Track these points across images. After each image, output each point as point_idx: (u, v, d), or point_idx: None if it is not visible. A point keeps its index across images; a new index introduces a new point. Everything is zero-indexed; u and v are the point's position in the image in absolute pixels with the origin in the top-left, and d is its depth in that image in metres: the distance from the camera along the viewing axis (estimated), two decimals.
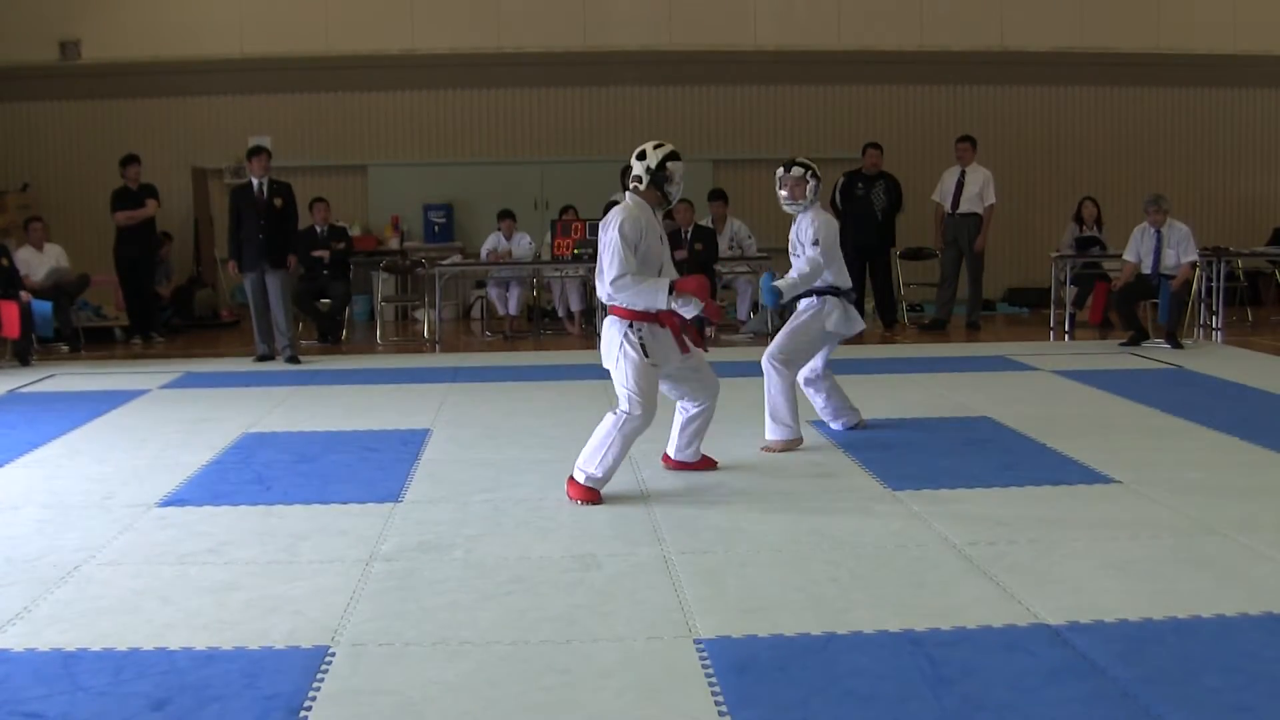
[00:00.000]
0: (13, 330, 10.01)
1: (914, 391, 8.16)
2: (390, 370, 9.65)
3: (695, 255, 11.02)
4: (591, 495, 5.25)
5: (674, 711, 3.15)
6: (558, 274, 12.10)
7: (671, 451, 5.85)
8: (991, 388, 8.33)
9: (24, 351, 10.13)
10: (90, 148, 13.39)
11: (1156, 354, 9.81)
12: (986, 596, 3.98)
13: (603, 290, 5.25)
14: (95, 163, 13.01)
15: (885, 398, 7.89)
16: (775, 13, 13.47)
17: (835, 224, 6.42)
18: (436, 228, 13.70)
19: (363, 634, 3.71)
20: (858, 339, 8.86)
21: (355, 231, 13.02)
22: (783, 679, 3.32)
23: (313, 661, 3.47)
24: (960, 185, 11.77)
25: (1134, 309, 10.55)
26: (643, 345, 5.23)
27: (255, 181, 10.16)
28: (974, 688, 3.23)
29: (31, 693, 3.26)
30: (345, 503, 5.34)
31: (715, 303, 5.47)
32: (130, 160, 11.53)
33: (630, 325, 5.25)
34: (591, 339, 11.53)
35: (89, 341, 11.40)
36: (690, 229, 11.13)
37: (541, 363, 9.98)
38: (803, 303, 6.40)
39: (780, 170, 6.35)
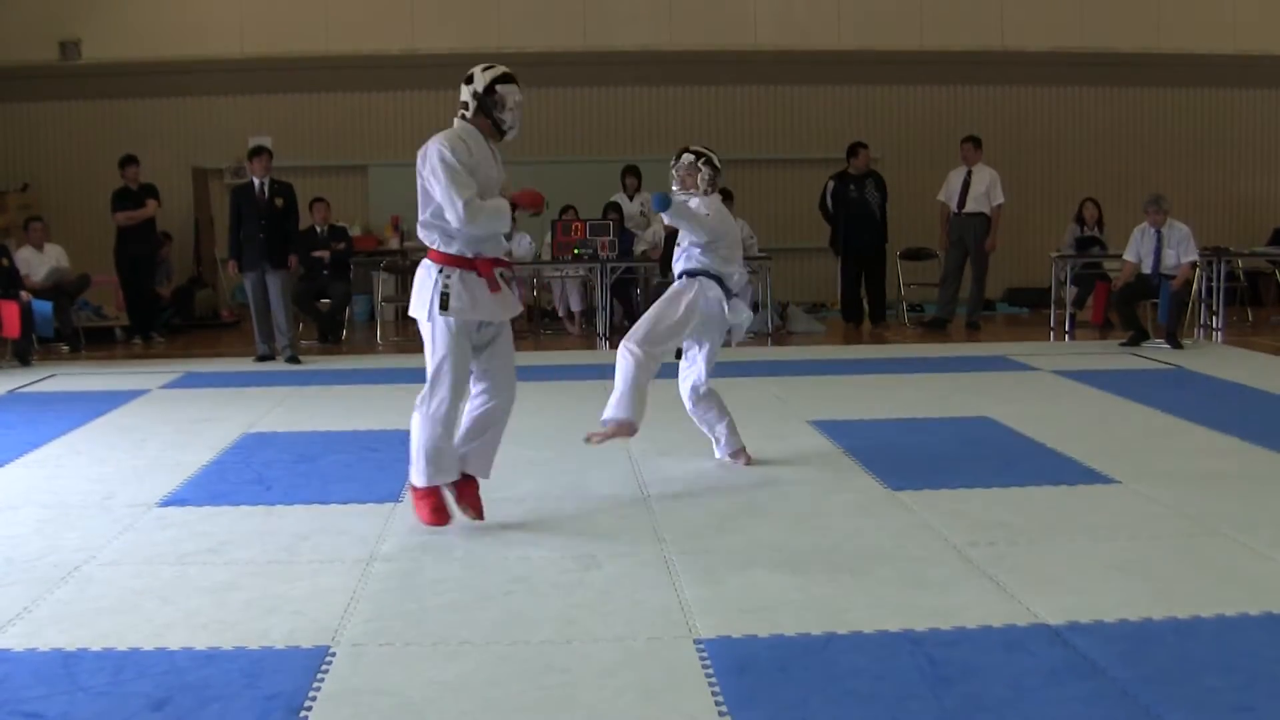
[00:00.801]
0: (13, 330, 10.01)
1: (914, 391, 8.16)
2: (390, 370, 9.64)
3: None
4: (430, 497, 4.71)
5: (674, 711, 3.15)
6: (558, 274, 12.10)
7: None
8: (991, 388, 8.32)
9: (24, 351, 10.13)
10: (90, 148, 13.40)
11: (1156, 354, 9.81)
12: (986, 596, 3.98)
13: (456, 220, 4.59)
14: (95, 163, 13.01)
15: (885, 398, 7.90)
16: (775, 13, 13.47)
17: (730, 218, 6.07)
18: None
19: (363, 634, 3.71)
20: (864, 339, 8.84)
21: (355, 231, 13.02)
22: (783, 679, 3.32)
23: (313, 661, 3.47)
24: (966, 185, 11.78)
25: (1134, 309, 10.55)
26: (444, 295, 4.60)
27: (256, 181, 10.17)
28: (974, 688, 3.23)
29: (31, 692, 3.26)
30: (345, 503, 5.34)
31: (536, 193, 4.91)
32: (129, 161, 11.53)
33: (440, 270, 4.63)
34: (592, 339, 11.55)
35: (89, 341, 11.40)
36: None
37: (541, 363, 9.97)
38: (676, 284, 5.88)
39: (671, 159, 5.98)
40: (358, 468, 6.06)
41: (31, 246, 11.31)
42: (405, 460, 6.10)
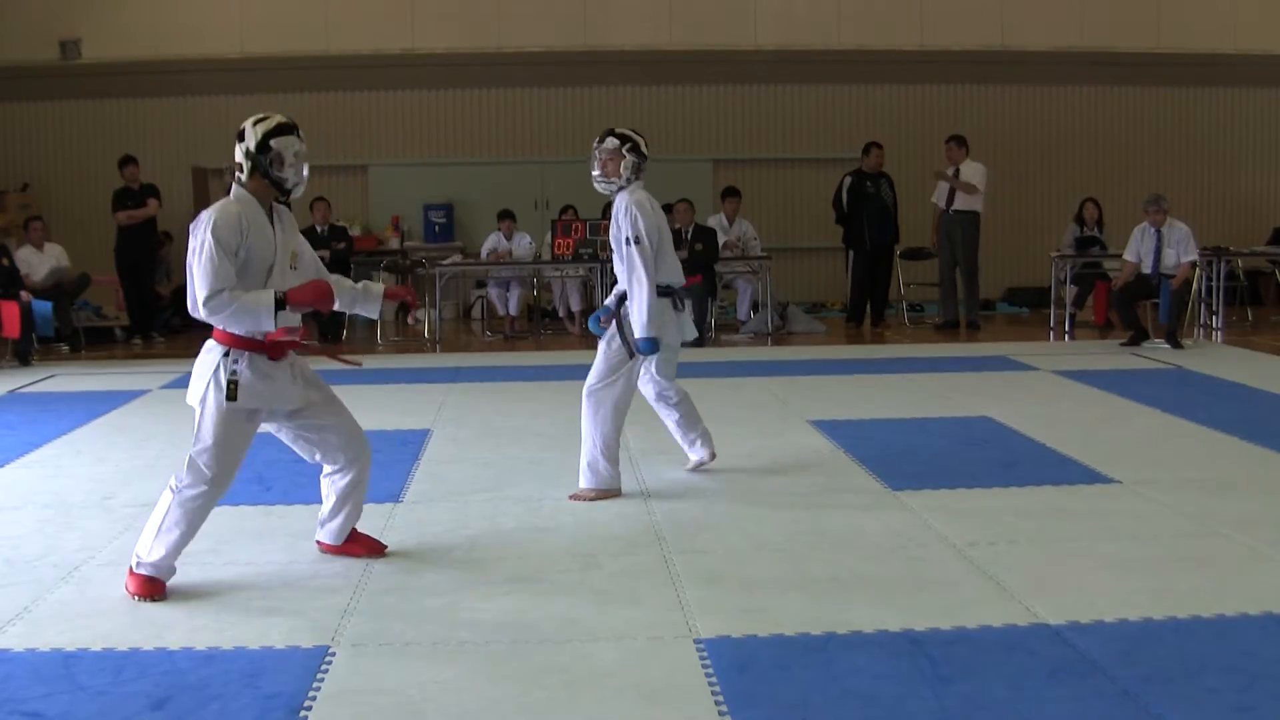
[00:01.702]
0: (13, 330, 10.01)
1: (914, 391, 8.16)
2: (390, 370, 9.64)
3: (695, 255, 11.01)
4: (154, 588, 4.03)
5: (674, 711, 3.15)
6: (558, 274, 12.10)
7: (324, 536, 4.51)
8: (991, 388, 8.32)
9: (24, 351, 10.13)
10: (90, 147, 13.40)
11: (1157, 354, 9.81)
12: (986, 596, 3.98)
13: (195, 311, 3.93)
14: (95, 162, 13.02)
15: (885, 398, 7.90)
16: (775, 13, 13.47)
17: (657, 211, 5.35)
18: (437, 228, 13.71)
19: (363, 634, 3.71)
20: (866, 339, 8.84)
21: (355, 231, 13.03)
22: (783, 679, 3.32)
23: (313, 661, 3.47)
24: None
25: (1134, 309, 10.55)
26: (231, 384, 3.96)
27: None
28: (974, 687, 3.23)
29: (32, 692, 3.26)
30: None
31: (403, 287, 4.50)
32: (127, 161, 11.53)
33: (226, 354, 3.99)
34: (592, 339, 11.54)
35: (89, 341, 11.40)
36: (690, 229, 11.13)
37: (542, 363, 9.98)
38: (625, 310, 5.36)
39: (595, 141, 5.35)
40: None
41: (32, 246, 11.31)
42: (404, 460, 6.14)
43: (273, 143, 4.05)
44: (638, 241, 5.18)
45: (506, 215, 12.19)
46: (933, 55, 13.61)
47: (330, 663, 3.47)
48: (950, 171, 11.82)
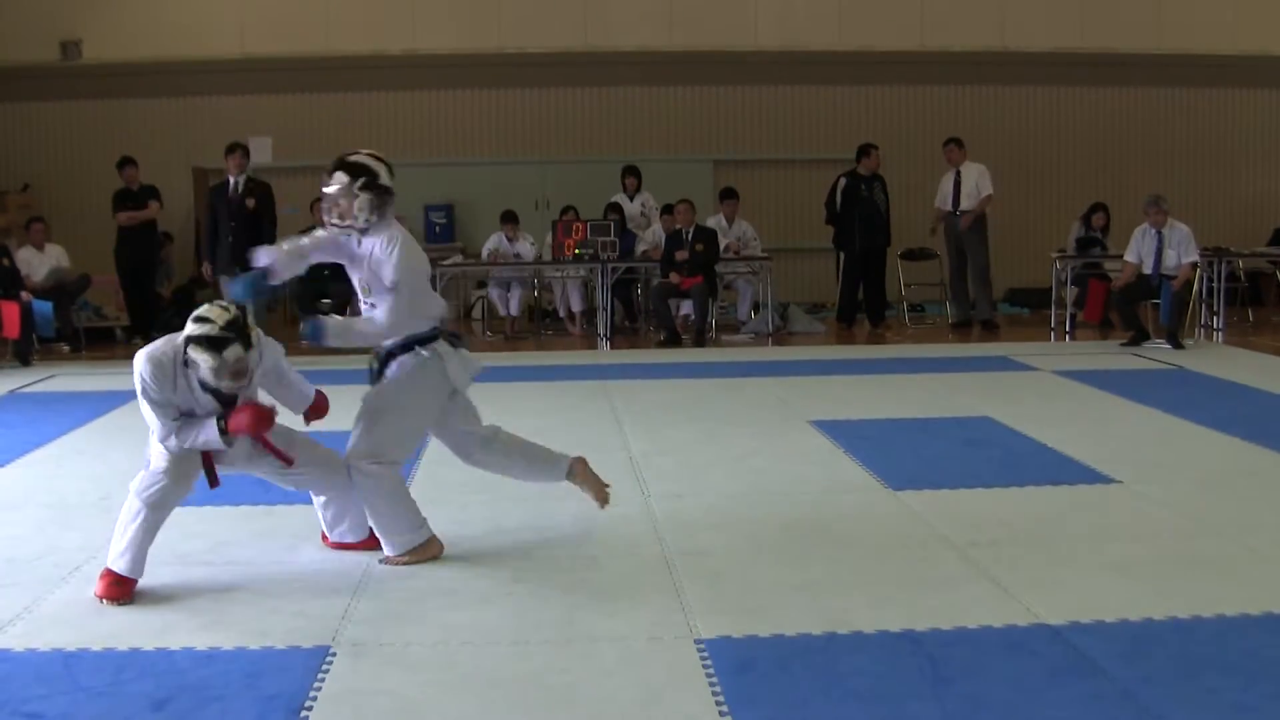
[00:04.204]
0: (13, 330, 10.01)
1: (914, 391, 8.16)
2: None
3: (695, 256, 11.01)
4: (122, 592, 4.04)
5: (674, 711, 3.15)
6: (559, 274, 12.10)
7: (328, 532, 4.62)
8: (991, 388, 8.32)
9: (25, 352, 10.13)
10: (91, 148, 13.39)
11: (1157, 354, 9.81)
12: (986, 596, 3.98)
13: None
14: (96, 163, 13.00)
15: (885, 398, 7.89)
16: (776, 13, 13.47)
17: (418, 250, 4.56)
18: (437, 228, 13.70)
19: (363, 634, 3.71)
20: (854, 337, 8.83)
21: None
22: (783, 679, 3.32)
23: (313, 661, 3.48)
24: (957, 186, 11.80)
25: (1135, 309, 10.55)
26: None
27: (231, 180, 9.99)
28: (975, 688, 3.23)
29: (32, 692, 3.26)
30: None
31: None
32: (127, 162, 11.53)
33: None
34: (593, 339, 11.55)
35: (90, 341, 11.40)
36: (691, 229, 11.12)
37: (542, 363, 9.98)
38: (393, 365, 4.48)
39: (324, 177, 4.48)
40: None
41: (32, 246, 11.31)
42: (406, 460, 6.12)
43: (189, 353, 3.94)
44: (395, 288, 4.37)
45: (510, 218, 12.16)
46: (933, 56, 13.61)
47: (330, 663, 3.47)
48: (950, 176, 11.81)
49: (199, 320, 3.93)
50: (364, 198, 4.38)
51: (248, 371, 4.00)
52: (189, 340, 3.93)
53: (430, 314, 4.52)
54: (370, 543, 4.57)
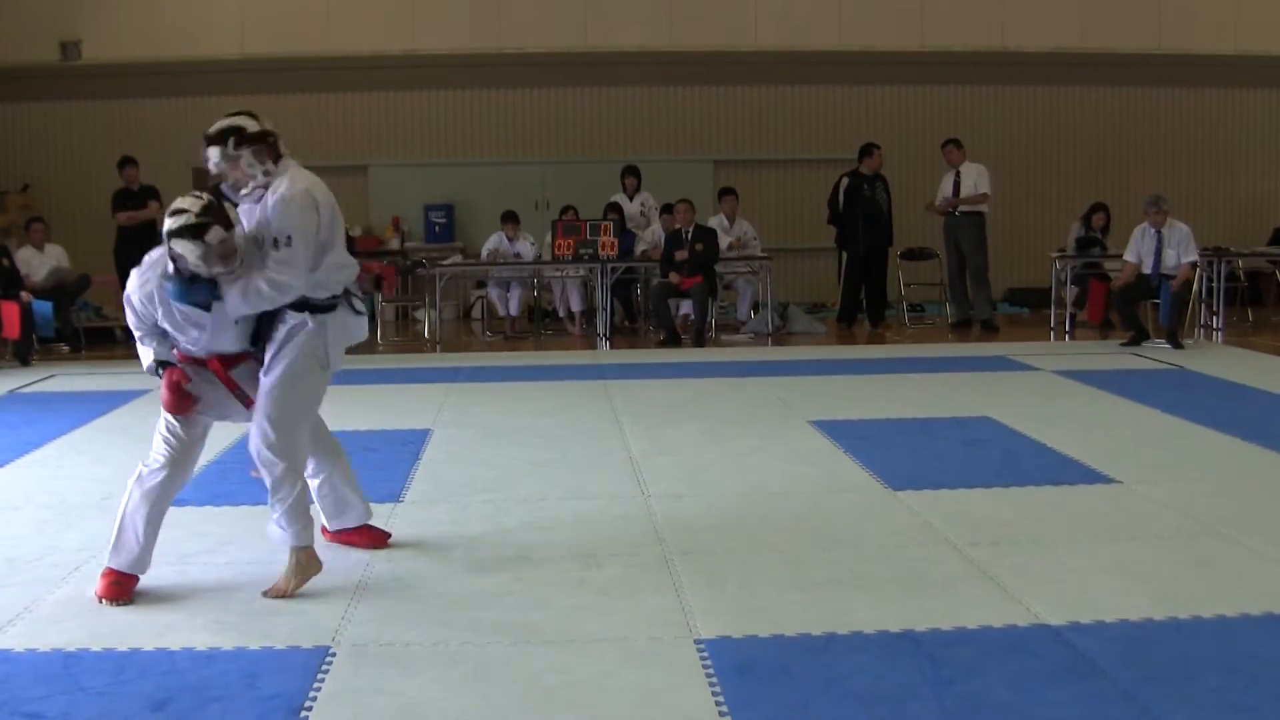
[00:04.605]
0: (13, 330, 10.01)
1: (914, 391, 8.16)
2: (390, 370, 9.65)
3: (695, 255, 11.01)
4: (122, 591, 4.04)
5: (674, 712, 3.15)
6: (558, 274, 12.10)
7: (328, 522, 4.61)
8: (991, 388, 8.32)
9: (24, 352, 10.13)
10: (91, 148, 13.40)
11: (1157, 354, 9.81)
12: (986, 596, 3.98)
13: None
14: (96, 163, 13.01)
15: (885, 398, 7.90)
16: (775, 13, 13.47)
17: (317, 201, 4.10)
18: (437, 228, 13.71)
19: (363, 634, 3.71)
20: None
21: (356, 232, 13.02)
22: (783, 679, 3.32)
23: (313, 661, 3.48)
24: (957, 186, 11.80)
25: (1135, 309, 10.55)
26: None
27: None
28: (975, 688, 3.23)
29: (32, 693, 3.26)
30: None
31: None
32: (127, 162, 11.53)
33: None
34: (592, 339, 11.55)
35: (89, 342, 11.40)
36: (691, 229, 11.12)
37: (542, 363, 9.98)
38: (282, 329, 4.12)
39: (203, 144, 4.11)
40: (357, 468, 6.02)
41: (32, 247, 11.31)
42: (404, 460, 6.13)
43: (173, 244, 3.90)
44: (289, 242, 3.99)
45: (510, 217, 12.16)
46: (933, 56, 13.61)
47: (330, 663, 3.47)
48: (950, 176, 11.81)
49: (175, 213, 3.88)
50: (246, 154, 4.06)
51: (236, 252, 3.94)
52: (169, 235, 3.88)
53: (329, 282, 4.17)
54: (375, 538, 4.60)
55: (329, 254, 4.14)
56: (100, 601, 4.01)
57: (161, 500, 4.12)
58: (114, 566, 4.07)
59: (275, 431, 4.08)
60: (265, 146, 4.08)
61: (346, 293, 4.27)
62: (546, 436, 6.71)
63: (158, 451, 4.10)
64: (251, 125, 4.08)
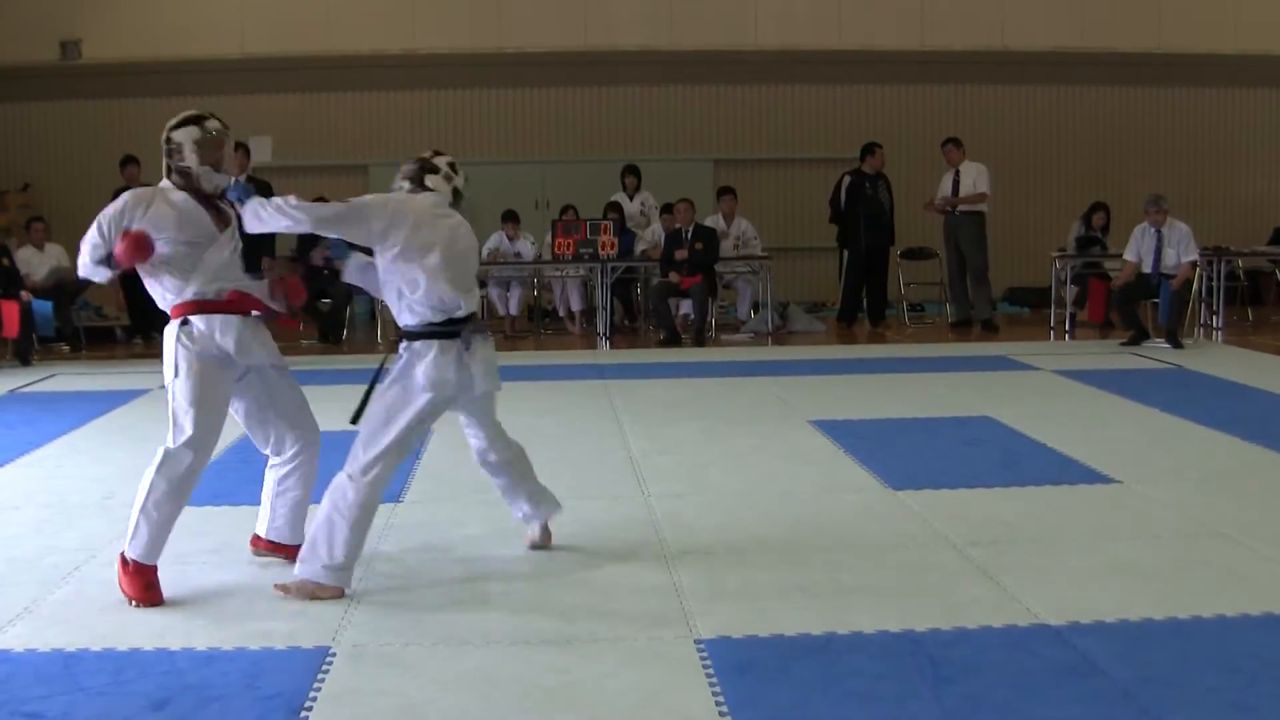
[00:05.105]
0: (13, 330, 10.01)
1: (914, 391, 8.16)
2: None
3: (695, 255, 11.00)
4: (151, 594, 3.98)
5: (674, 711, 3.15)
6: (558, 274, 12.10)
7: (263, 527, 4.42)
8: (991, 388, 8.32)
9: (25, 351, 10.13)
10: (91, 148, 13.39)
11: (1157, 354, 9.81)
12: (986, 596, 3.98)
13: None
14: (96, 163, 13.00)
15: (885, 398, 7.90)
16: (775, 13, 13.47)
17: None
18: None
19: (363, 634, 3.71)
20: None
21: None
22: (783, 679, 3.32)
23: (313, 661, 3.48)
24: (956, 185, 11.80)
25: (1134, 309, 10.55)
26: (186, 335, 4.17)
27: (232, 179, 10.00)
28: (975, 688, 3.23)
29: (32, 693, 3.26)
30: None
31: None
32: (129, 161, 11.52)
33: (183, 323, 4.15)
34: (592, 338, 11.56)
35: (90, 341, 11.40)
36: (691, 228, 11.12)
37: (542, 363, 9.97)
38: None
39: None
40: None
41: (32, 246, 11.32)
42: (406, 460, 6.11)
43: (174, 135, 4.27)
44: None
45: (511, 217, 12.15)
46: (933, 55, 13.61)
47: (330, 663, 3.47)
48: (950, 176, 11.82)
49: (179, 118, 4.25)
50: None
51: (223, 146, 4.31)
52: (171, 129, 4.25)
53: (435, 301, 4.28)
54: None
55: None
56: (132, 603, 3.94)
57: (187, 485, 4.09)
58: (140, 560, 3.97)
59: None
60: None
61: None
62: (546, 436, 6.70)
63: (181, 434, 4.09)
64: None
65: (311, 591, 3.99)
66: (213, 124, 4.23)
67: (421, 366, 4.17)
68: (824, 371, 9.17)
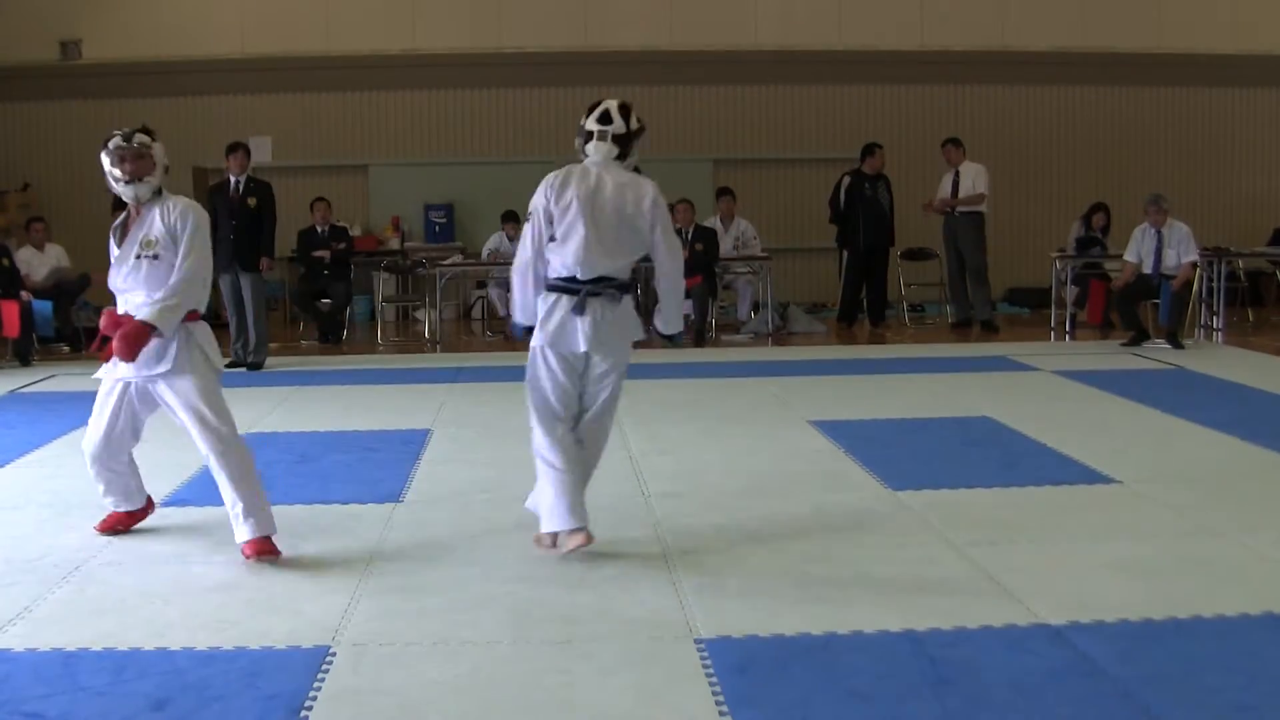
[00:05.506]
0: (13, 330, 10.01)
1: (914, 391, 8.16)
2: (391, 370, 9.64)
3: (695, 255, 11.00)
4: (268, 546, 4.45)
5: (674, 711, 3.15)
6: None
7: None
8: (991, 388, 8.32)
9: (24, 351, 10.14)
10: (91, 148, 13.13)
11: (1157, 354, 9.81)
12: (986, 596, 3.98)
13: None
14: (96, 163, 12.90)
15: (885, 398, 7.89)
16: (776, 13, 13.47)
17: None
18: (437, 228, 13.70)
19: (363, 634, 3.71)
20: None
21: (356, 231, 13.02)
22: (783, 679, 3.32)
23: (313, 661, 3.47)
24: (956, 185, 11.80)
25: (1135, 309, 10.55)
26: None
27: (232, 179, 10.01)
28: (975, 688, 3.23)
29: (32, 692, 3.26)
30: (345, 503, 5.34)
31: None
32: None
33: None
34: None
35: (90, 341, 11.39)
36: (691, 229, 11.12)
37: None
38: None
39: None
40: (358, 468, 6.06)
41: (32, 246, 11.32)
42: (404, 460, 6.13)
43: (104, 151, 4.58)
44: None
45: (511, 217, 12.14)
46: (933, 55, 13.61)
47: (330, 663, 3.47)
48: (949, 176, 11.82)
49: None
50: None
51: (129, 159, 4.76)
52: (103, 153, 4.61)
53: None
54: (128, 519, 4.89)
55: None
56: (258, 558, 4.35)
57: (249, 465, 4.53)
58: (263, 530, 4.42)
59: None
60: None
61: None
62: None
63: (231, 420, 4.58)
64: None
65: (553, 541, 4.42)
66: (113, 141, 4.76)
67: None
68: (824, 372, 9.17)
